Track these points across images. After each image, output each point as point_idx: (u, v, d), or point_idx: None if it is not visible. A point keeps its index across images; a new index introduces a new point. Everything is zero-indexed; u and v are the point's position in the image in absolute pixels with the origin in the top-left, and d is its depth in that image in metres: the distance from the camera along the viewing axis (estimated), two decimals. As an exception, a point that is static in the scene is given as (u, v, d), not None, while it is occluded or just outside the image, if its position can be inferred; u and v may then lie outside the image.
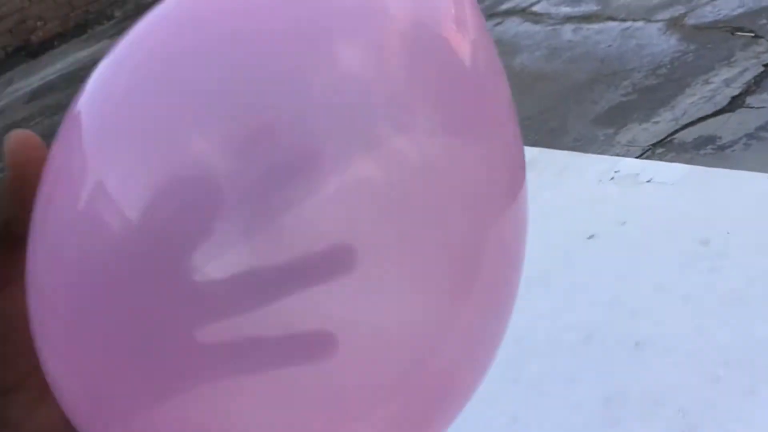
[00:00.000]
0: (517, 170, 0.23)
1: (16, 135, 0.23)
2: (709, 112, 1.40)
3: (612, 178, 1.22)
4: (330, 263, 0.18)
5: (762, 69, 1.45)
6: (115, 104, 0.20)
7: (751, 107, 1.36)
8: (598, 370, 1.00)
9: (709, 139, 1.33)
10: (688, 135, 1.37)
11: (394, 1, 0.21)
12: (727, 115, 1.37)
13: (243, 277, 0.18)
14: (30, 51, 5.93)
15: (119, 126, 0.19)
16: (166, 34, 0.21)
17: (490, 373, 0.23)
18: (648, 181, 1.20)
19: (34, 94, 4.70)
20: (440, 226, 0.20)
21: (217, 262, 0.18)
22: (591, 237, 1.11)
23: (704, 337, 1.00)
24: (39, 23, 5.94)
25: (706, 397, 0.80)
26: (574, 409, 0.87)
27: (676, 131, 1.39)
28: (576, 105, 1.64)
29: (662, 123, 1.43)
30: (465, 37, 0.22)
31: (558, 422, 0.86)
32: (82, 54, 5.23)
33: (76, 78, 4.58)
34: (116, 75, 0.21)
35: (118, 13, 5.88)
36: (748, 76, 1.44)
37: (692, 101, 1.45)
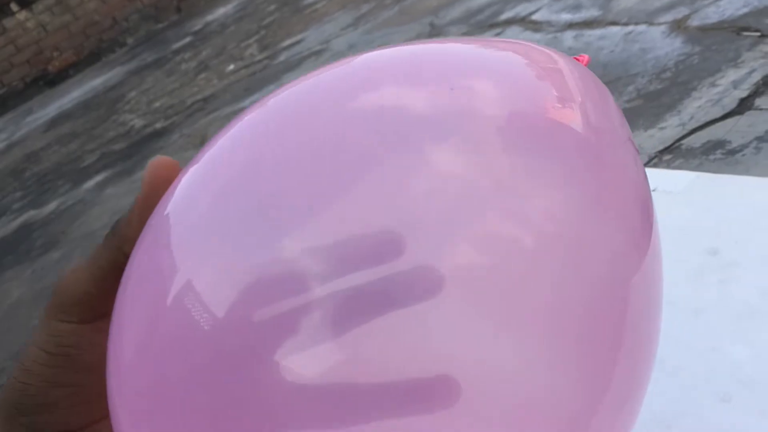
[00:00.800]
0: (646, 221, 0.22)
1: (159, 162, 0.23)
2: (717, 115, 1.35)
3: (616, 189, 1.17)
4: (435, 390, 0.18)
5: (771, 69, 1.40)
6: (206, 206, 0.20)
7: (761, 109, 1.31)
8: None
9: (718, 144, 1.28)
10: (696, 140, 1.32)
11: (482, 100, 0.21)
12: (735, 118, 1.32)
13: (335, 383, 0.17)
14: (48, 80, 6.03)
15: (210, 227, 0.19)
16: (259, 138, 0.21)
17: None
18: (653, 190, 1.16)
19: (52, 123, 4.77)
20: (573, 301, 0.19)
21: (306, 362, 0.17)
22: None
23: (716, 353, 0.95)
24: (55, 53, 6.03)
25: (716, 418, 0.75)
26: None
27: (684, 137, 1.35)
28: (580, 113, 1.60)
29: (669, 129, 1.38)
30: (570, 108, 0.21)
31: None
32: (97, 81, 5.30)
33: (92, 105, 4.65)
34: (205, 179, 0.21)
35: (130, 41, 5.96)
36: (757, 77, 1.39)
37: (699, 105, 1.41)
